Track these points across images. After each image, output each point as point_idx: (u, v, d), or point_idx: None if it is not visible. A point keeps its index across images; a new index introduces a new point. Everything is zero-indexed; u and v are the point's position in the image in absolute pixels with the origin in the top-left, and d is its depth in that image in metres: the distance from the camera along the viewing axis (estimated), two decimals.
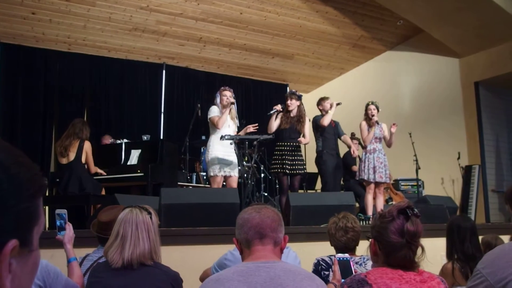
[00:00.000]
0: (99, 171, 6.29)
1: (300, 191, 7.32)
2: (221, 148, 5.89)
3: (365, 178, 6.59)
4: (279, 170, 6.31)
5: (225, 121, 5.95)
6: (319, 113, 7.05)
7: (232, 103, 6.02)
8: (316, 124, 6.85)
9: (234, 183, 5.97)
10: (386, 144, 6.84)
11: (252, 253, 1.97)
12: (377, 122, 6.70)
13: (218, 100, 6.07)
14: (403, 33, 9.92)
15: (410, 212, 1.88)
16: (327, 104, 6.88)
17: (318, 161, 6.84)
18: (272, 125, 6.39)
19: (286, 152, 6.33)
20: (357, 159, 8.55)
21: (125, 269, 2.32)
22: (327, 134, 6.81)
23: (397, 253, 1.88)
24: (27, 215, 0.72)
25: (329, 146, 6.84)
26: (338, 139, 7.28)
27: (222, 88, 6.17)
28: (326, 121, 6.72)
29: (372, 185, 6.55)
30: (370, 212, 6.54)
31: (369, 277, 1.86)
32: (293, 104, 6.44)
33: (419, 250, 1.91)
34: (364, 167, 6.63)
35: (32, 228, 0.73)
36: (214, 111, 6.01)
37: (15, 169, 0.71)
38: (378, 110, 6.79)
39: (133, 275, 2.31)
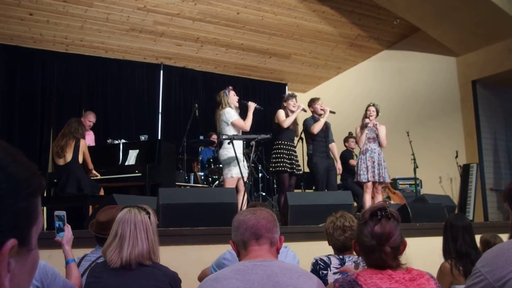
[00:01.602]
0: (94, 172, 6.29)
1: (297, 190, 7.34)
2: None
3: (359, 179, 6.64)
4: (287, 169, 6.32)
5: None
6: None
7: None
8: (306, 129, 6.86)
9: (241, 182, 5.93)
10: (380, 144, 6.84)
11: (249, 253, 1.98)
12: (366, 125, 6.70)
13: (231, 98, 5.98)
14: (400, 32, 9.93)
15: (380, 214, 1.91)
16: (317, 107, 6.86)
17: (309, 164, 6.87)
18: (289, 121, 6.46)
19: (292, 152, 6.47)
20: (355, 156, 8.57)
21: (124, 269, 2.32)
22: (317, 137, 6.79)
23: (370, 254, 1.92)
24: (25, 214, 0.72)
25: (319, 149, 6.80)
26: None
27: (231, 88, 6.11)
28: (316, 129, 6.71)
29: (369, 184, 6.57)
30: None
31: (359, 278, 1.89)
32: (296, 106, 6.55)
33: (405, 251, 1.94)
34: (358, 168, 6.67)
35: (31, 227, 0.73)
36: (234, 114, 5.90)
37: (13, 168, 0.71)
38: (378, 114, 6.80)
39: (131, 275, 2.31)
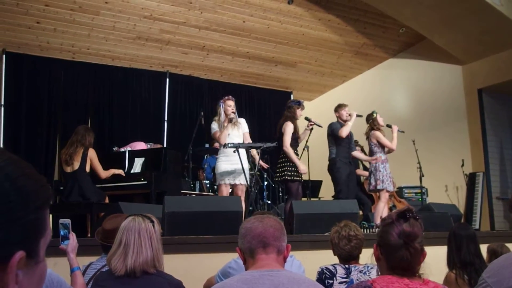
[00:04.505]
0: (116, 171, 6.31)
1: (303, 199, 7.32)
2: (225, 158, 5.91)
3: (386, 188, 6.56)
4: (297, 178, 6.31)
5: (226, 136, 5.95)
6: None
7: (232, 118, 6.02)
8: (333, 132, 6.74)
9: (240, 191, 5.95)
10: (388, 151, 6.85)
11: (256, 262, 1.97)
12: (392, 127, 6.81)
13: (222, 109, 6.05)
14: (405, 41, 9.94)
15: (409, 215, 1.90)
16: (343, 113, 6.78)
17: (332, 169, 6.71)
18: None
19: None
20: (360, 164, 8.55)
21: (128, 277, 2.32)
22: (342, 142, 6.69)
23: (395, 254, 1.89)
24: (34, 227, 0.72)
25: (342, 154, 6.69)
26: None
27: (226, 97, 6.15)
28: (344, 132, 6.61)
29: (387, 194, 6.55)
30: (378, 220, 6.50)
31: (375, 285, 1.86)
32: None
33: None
34: (383, 176, 6.60)
35: (39, 239, 0.74)
36: (214, 128, 6.06)
37: (22, 181, 0.71)
38: None
39: (136, 283, 2.31)
